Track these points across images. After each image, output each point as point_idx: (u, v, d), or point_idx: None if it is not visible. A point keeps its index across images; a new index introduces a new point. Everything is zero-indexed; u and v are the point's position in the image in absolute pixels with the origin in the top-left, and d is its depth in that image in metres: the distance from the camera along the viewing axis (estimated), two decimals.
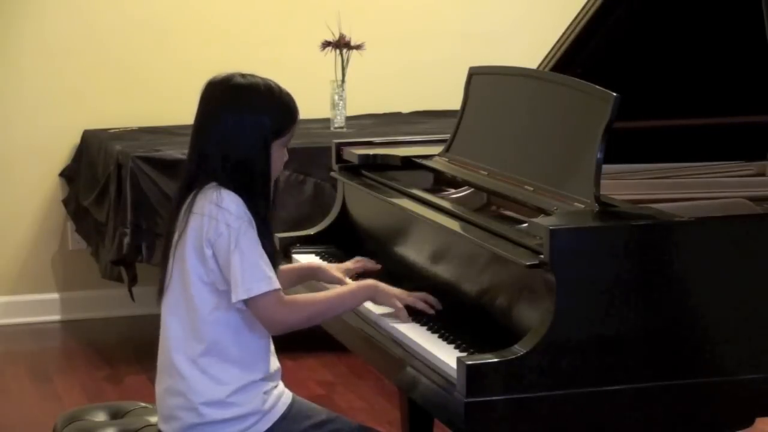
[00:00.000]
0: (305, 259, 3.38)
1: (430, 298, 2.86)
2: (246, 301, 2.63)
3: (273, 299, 2.64)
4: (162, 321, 2.74)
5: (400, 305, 2.83)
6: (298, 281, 3.09)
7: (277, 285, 2.64)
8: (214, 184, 2.66)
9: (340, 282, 3.03)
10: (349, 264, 3.12)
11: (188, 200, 2.68)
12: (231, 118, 2.67)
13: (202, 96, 2.73)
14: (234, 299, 2.62)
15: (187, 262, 2.66)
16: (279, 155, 2.73)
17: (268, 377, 2.73)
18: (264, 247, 2.65)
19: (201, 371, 2.67)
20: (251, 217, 2.64)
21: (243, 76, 2.73)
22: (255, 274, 2.61)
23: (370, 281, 2.88)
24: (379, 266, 3.11)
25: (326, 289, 3.01)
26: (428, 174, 3.38)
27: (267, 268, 2.63)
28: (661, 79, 3.41)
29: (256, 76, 2.74)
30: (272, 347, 2.78)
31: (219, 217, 2.62)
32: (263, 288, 2.61)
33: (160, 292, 2.73)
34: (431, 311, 2.83)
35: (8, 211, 5.73)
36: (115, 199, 5.01)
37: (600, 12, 3.31)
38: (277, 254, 2.75)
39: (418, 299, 2.85)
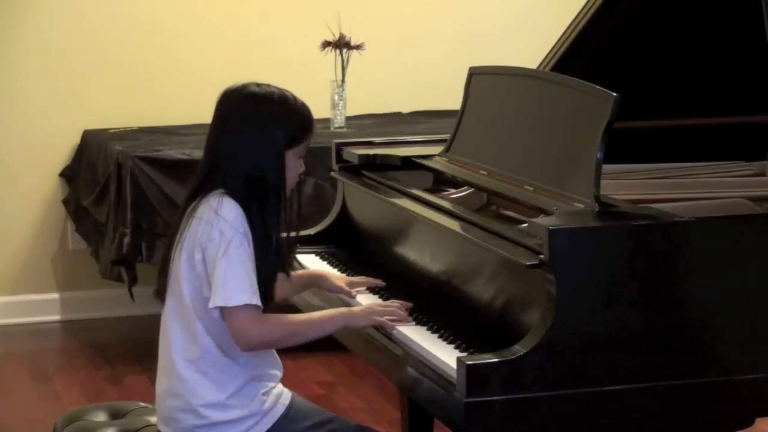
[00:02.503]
0: (305, 259, 3.38)
1: (405, 304, 2.83)
2: (222, 312, 2.62)
3: (249, 314, 2.61)
4: (163, 323, 2.74)
5: (381, 320, 2.78)
6: (301, 289, 3.07)
7: (256, 301, 2.61)
8: (220, 190, 2.65)
9: (342, 291, 3.02)
10: (354, 279, 3.08)
11: (192, 205, 2.68)
12: (243, 127, 2.67)
13: (217, 104, 2.73)
14: (211, 305, 2.60)
15: (180, 266, 2.66)
16: (294, 166, 2.71)
17: (265, 378, 2.73)
18: (262, 261, 2.63)
19: (200, 373, 2.67)
20: (248, 230, 2.62)
21: (258, 85, 2.71)
22: (237, 284, 2.59)
23: (343, 309, 2.84)
24: (383, 284, 3.06)
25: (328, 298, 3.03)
26: (428, 174, 3.38)
27: (250, 282, 2.61)
28: (661, 79, 3.41)
29: (272, 86, 2.72)
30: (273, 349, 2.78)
31: (214, 223, 2.61)
32: (243, 300, 2.59)
33: (161, 294, 2.72)
34: (410, 320, 2.80)
35: (8, 211, 5.73)
36: (115, 199, 5.01)
37: (600, 12, 3.31)
38: (278, 269, 2.73)
39: (393, 311, 2.80)
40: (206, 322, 2.66)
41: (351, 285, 3.04)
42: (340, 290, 3.03)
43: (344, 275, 3.14)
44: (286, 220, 2.72)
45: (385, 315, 2.79)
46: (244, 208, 2.63)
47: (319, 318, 2.77)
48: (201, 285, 2.64)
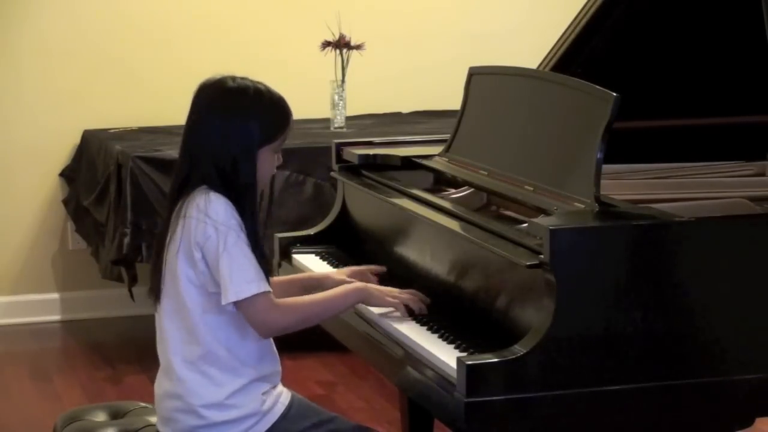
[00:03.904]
0: (305, 259, 3.38)
1: (420, 296, 2.85)
2: (236, 304, 2.63)
3: (263, 302, 2.63)
4: (158, 325, 2.74)
5: (395, 302, 2.82)
6: (302, 293, 2.97)
7: (266, 287, 2.63)
8: (204, 187, 2.65)
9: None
10: (354, 267, 3.07)
11: (179, 204, 2.68)
12: (218, 122, 2.66)
13: (193, 98, 2.72)
14: (224, 302, 2.61)
15: (178, 266, 2.66)
16: (269, 160, 2.71)
17: (266, 378, 2.73)
18: (252, 251, 2.64)
19: (199, 374, 2.67)
20: (240, 221, 2.63)
21: (233, 79, 2.71)
22: (244, 276, 2.60)
23: (360, 284, 2.87)
24: (384, 268, 3.07)
25: None
26: (428, 174, 3.38)
27: (256, 271, 2.62)
28: (661, 79, 3.41)
29: (247, 80, 2.72)
30: (273, 348, 2.77)
31: (207, 221, 2.61)
32: (252, 290, 2.61)
33: (155, 295, 2.72)
34: (425, 310, 2.83)
35: (8, 211, 5.73)
36: (115, 199, 5.01)
37: (600, 12, 3.31)
38: (267, 259, 2.72)
39: (410, 297, 2.84)
40: (210, 321, 2.66)
41: (353, 275, 3.00)
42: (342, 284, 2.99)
43: (345, 268, 3.10)
44: (258, 214, 2.72)
45: (401, 300, 2.81)
46: (230, 200, 2.64)
47: (334, 296, 2.79)
48: (205, 282, 2.65)
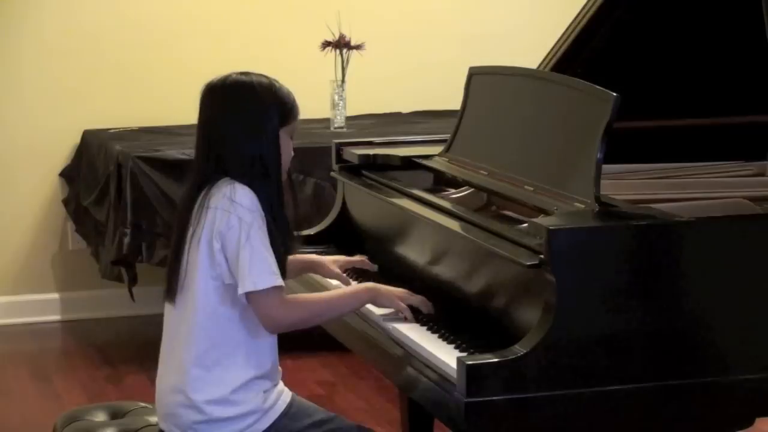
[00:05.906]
0: None
1: (427, 302, 2.86)
2: (248, 297, 2.64)
3: (275, 296, 2.64)
4: (166, 318, 2.75)
5: (403, 305, 2.83)
6: (296, 275, 3.09)
7: (281, 282, 2.65)
8: (227, 178, 2.67)
9: (339, 278, 3.06)
10: (348, 258, 3.12)
11: (200, 197, 2.69)
12: (238, 116, 2.70)
13: (203, 99, 2.75)
14: (240, 291, 2.62)
15: (198, 258, 2.67)
16: (287, 145, 2.75)
17: (267, 376, 2.74)
18: (276, 239, 2.67)
19: (204, 369, 2.68)
20: (263, 213, 2.65)
21: (241, 73, 2.76)
22: (263, 268, 2.62)
23: (370, 284, 2.89)
24: (375, 267, 3.12)
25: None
26: (428, 174, 3.38)
27: (274, 265, 2.64)
28: (661, 79, 3.41)
29: (253, 73, 2.77)
30: (276, 346, 2.78)
31: (231, 210, 2.63)
32: (270, 282, 2.62)
33: (170, 290, 2.72)
34: (432, 311, 2.84)
35: (8, 211, 5.73)
36: (115, 199, 5.01)
37: (600, 12, 3.32)
38: (293, 246, 2.78)
39: (420, 301, 2.85)
40: (223, 314, 2.67)
41: (348, 264, 3.09)
42: (337, 277, 3.07)
43: (340, 256, 3.16)
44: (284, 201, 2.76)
45: (410, 303, 2.83)
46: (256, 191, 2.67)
47: (343, 295, 2.82)
48: (222, 274, 2.66)
